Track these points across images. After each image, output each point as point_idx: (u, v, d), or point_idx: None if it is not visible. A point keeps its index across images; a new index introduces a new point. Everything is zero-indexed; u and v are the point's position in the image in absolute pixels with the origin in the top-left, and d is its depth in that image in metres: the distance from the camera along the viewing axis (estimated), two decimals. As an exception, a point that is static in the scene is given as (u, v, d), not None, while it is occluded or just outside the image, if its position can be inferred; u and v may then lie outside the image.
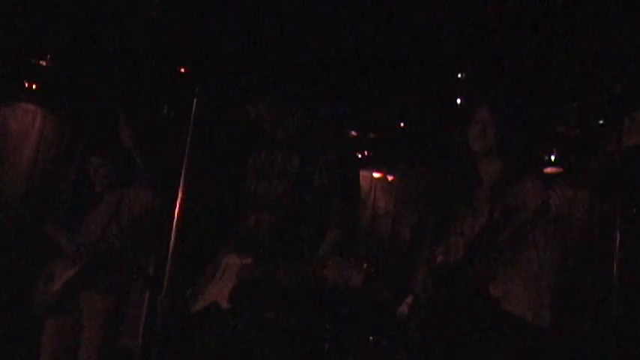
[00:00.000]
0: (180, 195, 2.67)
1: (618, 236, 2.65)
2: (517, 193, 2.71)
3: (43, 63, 5.41)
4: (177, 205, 2.67)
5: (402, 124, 6.18)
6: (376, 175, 7.14)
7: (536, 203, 2.60)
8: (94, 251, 3.87)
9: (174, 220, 2.67)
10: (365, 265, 2.35)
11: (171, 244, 2.65)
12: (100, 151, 4.00)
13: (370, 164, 7.03)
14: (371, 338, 5.31)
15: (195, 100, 2.75)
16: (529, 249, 2.65)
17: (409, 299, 2.82)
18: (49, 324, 3.96)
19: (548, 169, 5.54)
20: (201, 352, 2.73)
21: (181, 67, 5.23)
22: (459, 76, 5.10)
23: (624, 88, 4.29)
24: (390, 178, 7.15)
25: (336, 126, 6.03)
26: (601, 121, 5.10)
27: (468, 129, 2.86)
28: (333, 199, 2.63)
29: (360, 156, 6.84)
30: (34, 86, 5.63)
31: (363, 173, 6.98)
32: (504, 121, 2.78)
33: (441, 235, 2.90)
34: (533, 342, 2.58)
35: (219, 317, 2.66)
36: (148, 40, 4.93)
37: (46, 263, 4.02)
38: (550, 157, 5.57)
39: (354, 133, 6.47)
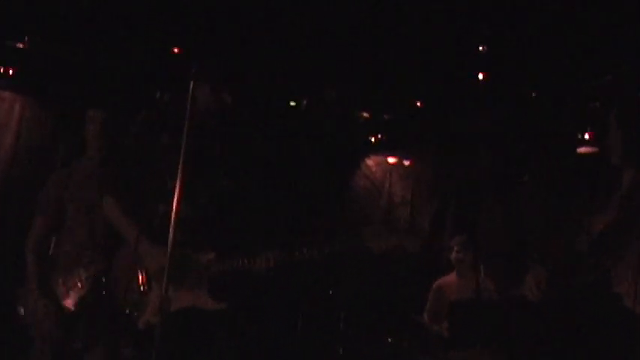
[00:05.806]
0: (177, 188, 2.56)
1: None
2: None
3: (21, 46, 5.28)
4: (175, 199, 2.56)
5: (418, 104, 6.03)
6: (391, 160, 7.00)
7: None
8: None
9: (172, 214, 2.56)
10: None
11: (170, 240, 2.53)
12: None
13: (384, 148, 6.93)
14: (389, 340, 5.26)
15: (191, 83, 2.61)
16: None
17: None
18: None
19: (582, 149, 5.70)
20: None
21: (175, 47, 5.14)
22: (480, 49, 4.96)
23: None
24: (406, 163, 6.98)
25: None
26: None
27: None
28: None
29: (373, 139, 6.78)
30: (10, 71, 5.51)
31: (377, 159, 7.06)
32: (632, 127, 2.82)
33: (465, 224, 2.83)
34: None
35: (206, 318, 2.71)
36: (137, 18, 4.79)
37: None
38: (584, 137, 5.69)
39: (365, 114, 6.33)
